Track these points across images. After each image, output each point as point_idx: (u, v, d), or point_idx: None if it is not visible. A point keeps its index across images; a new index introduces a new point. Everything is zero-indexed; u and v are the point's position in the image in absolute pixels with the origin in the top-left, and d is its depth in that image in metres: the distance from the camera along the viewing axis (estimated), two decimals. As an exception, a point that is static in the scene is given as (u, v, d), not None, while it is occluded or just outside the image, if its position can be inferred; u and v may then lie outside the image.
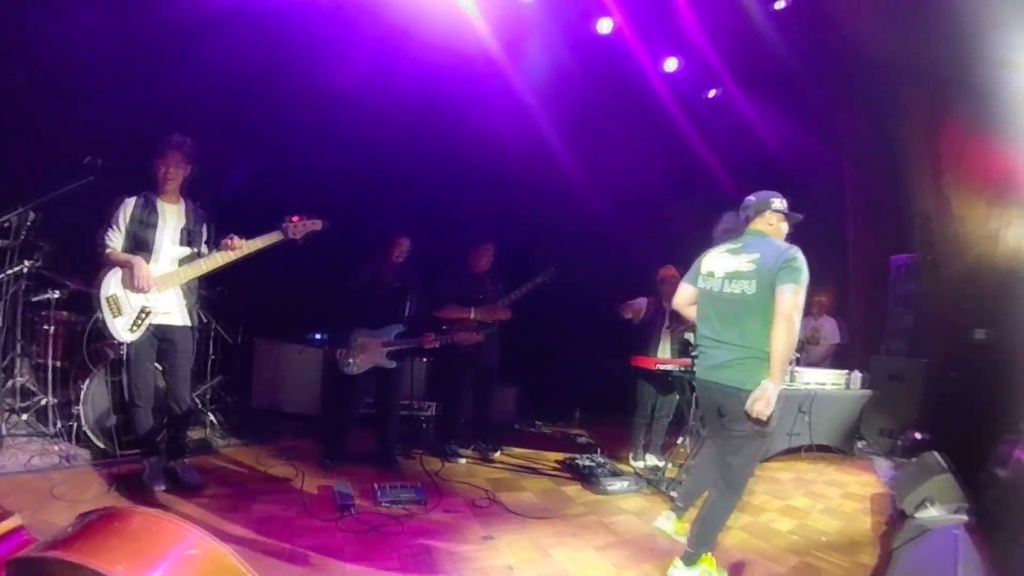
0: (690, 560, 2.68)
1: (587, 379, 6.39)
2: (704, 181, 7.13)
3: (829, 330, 6.75)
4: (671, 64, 6.53)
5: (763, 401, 2.40)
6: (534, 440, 5.48)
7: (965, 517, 3.53)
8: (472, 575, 2.62)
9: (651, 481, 4.27)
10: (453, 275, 4.66)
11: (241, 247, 3.25)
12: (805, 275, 2.48)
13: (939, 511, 3.64)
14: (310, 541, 2.78)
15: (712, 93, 7.07)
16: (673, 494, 4.03)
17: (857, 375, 5.83)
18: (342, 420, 4.24)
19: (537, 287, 4.53)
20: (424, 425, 5.46)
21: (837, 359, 6.69)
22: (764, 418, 2.43)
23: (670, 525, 3.19)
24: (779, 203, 2.78)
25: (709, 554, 2.72)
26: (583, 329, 6.31)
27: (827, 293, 7.30)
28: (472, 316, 4.45)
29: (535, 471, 4.39)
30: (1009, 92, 4.66)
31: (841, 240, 7.52)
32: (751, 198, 2.85)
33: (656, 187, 6.80)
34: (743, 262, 2.66)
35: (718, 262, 2.80)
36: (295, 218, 3.34)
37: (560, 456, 4.80)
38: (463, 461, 4.45)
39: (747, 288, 2.59)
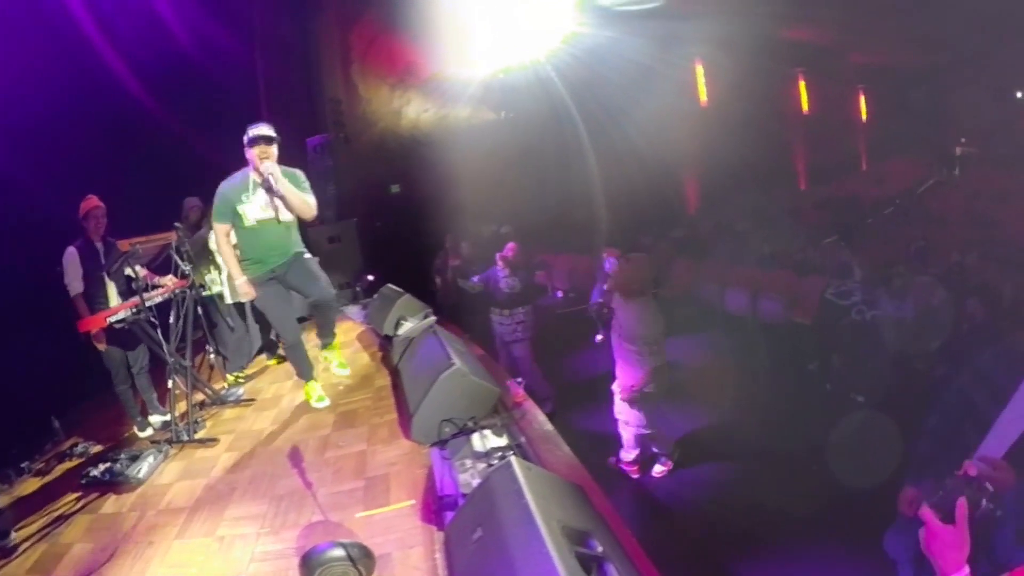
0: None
1: (39, 375, 4.67)
2: (110, 89, 5.84)
3: None
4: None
5: None
6: (33, 489, 3.93)
7: (433, 318, 4.73)
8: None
9: (172, 440, 3.84)
10: None
11: None
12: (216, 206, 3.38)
13: (413, 322, 4.70)
14: None
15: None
16: (197, 436, 3.85)
17: (301, 248, 6.69)
18: None
19: None
20: None
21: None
22: None
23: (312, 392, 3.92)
24: (245, 138, 3.24)
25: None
26: (9, 316, 4.51)
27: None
28: None
29: (65, 518, 3.28)
30: (417, 0, 5.83)
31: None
32: None
33: (50, 101, 5.05)
34: None
35: None
36: None
37: (73, 483, 3.69)
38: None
39: None
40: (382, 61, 7.24)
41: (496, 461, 2.53)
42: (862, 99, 13.07)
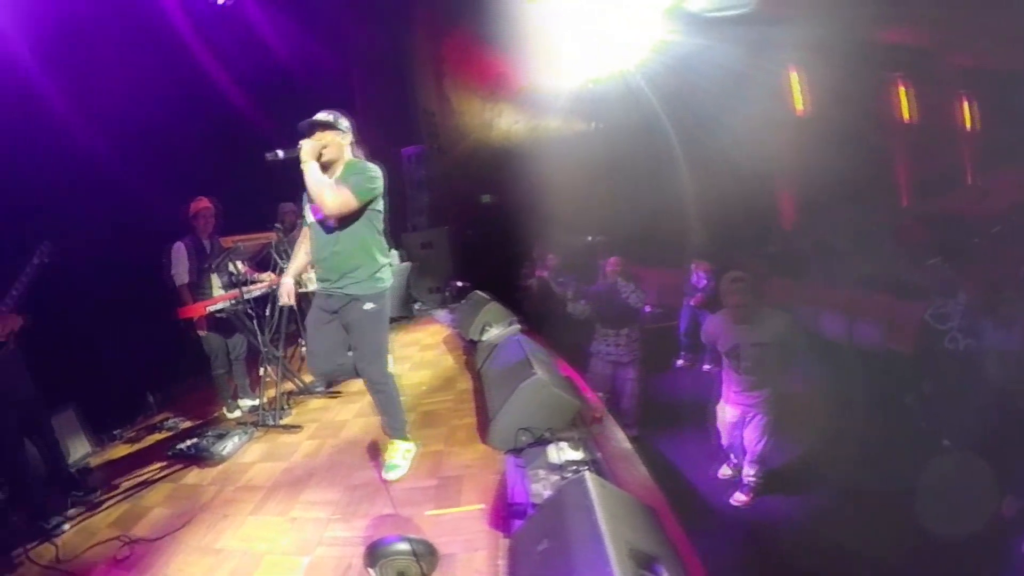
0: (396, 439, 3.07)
1: (140, 355, 5.06)
2: (214, 100, 6.39)
3: None
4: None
5: None
6: (123, 455, 4.33)
7: (518, 326, 4.75)
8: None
9: (258, 423, 4.10)
10: None
11: None
12: None
13: (498, 329, 4.74)
14: None
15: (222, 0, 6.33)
16: (283, 422, 4.06)
17: (395, 252, 6.86)
18: None
19: (37, 273, 3.30)
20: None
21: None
22: None
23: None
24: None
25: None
26: (112, 299, 4.87)
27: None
28: None
29: (149, 483, 3.61)
30: (507, 13, 6.02)
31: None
32: None
33: (162, 112, 5.57)
34: None
35: None
36: None
37: (160, 453, 4.03)
38: (69, 527, 3.24)
39: None
40: (474, 73, 7.49)
41: (570, 474, 2.48)
42: (966, 105, 11.85)
